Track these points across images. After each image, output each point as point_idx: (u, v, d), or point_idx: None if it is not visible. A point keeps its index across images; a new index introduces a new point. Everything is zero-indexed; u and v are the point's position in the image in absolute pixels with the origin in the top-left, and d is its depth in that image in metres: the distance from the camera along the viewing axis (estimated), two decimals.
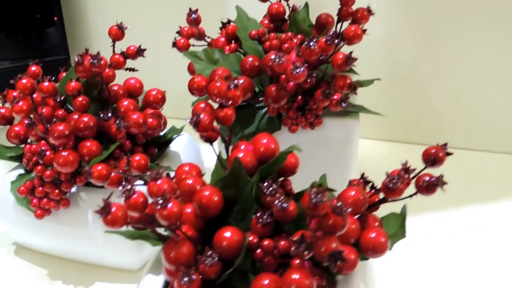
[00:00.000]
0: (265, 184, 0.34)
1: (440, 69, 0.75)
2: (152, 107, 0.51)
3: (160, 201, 0.30)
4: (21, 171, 0.53)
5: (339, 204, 0.30)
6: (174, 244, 0.32)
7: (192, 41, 0.59)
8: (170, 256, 0.32)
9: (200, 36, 0.58)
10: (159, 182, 0.32)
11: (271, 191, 0.34)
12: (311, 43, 0.42)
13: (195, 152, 0.61)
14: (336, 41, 0.43)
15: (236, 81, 0.40)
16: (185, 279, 0.30)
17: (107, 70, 0.49)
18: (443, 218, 0.62)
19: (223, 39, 0.56)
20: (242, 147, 0.40)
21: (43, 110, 0.50)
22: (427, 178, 0.36)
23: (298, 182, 0.41)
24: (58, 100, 0.52)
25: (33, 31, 0.89)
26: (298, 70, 0.42)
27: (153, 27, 0.88)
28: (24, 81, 0.47)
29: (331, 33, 0.43)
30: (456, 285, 0.51)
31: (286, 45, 0.50)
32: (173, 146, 0.57)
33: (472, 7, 0.71)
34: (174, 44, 0.58)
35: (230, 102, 0.39)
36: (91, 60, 0.44)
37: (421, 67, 0.76)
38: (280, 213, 0.33)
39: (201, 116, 0.38)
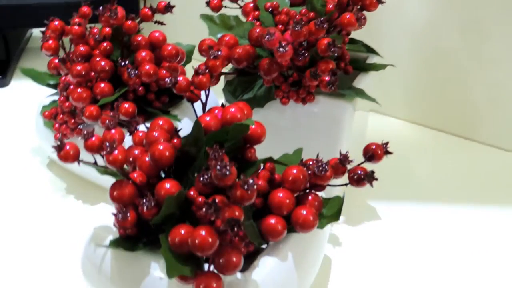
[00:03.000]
0: (212, 148, 0.38)
1: (481, 61, 0.73)
2: (166, 61, 0.56)
3: (108, 148, 0.36)
4: (56, 97, 0.61)
5: (250, 181, 0.34)
6: (119, 185, 0.38)
7: (226, 2, 0.63)
8: (113, 194, 0.37)
9: None
10: (112, 131, 0.38)
11: (215, 156, 0.38)
12: (297, 26, 0.44)
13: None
14: (325, 25, 0.45)
15: (216, 52, 0.44)
16: (120, 215, 0.36)
17: (129, 22, 0.54)
18: (463, 220, 0.62)
19: (252, 5, 0.60)
20: (215, 112, 0.45)
21: (71, 49, 0.57)
22: (358, 171, 0.38)
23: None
24: (97, 39, 0.59)
25: None
26: (282, 50, 0.45)
27: None
28: (56, 23, 0.54)
29: (321, 18, 0.45)
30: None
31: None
32: None
33: None
34: (208, 4, 0.62)
35: (207, 70, 0.43)
36: (108, 14, 0.50)
37: (462, 56, 0.74)
38: (217, 177, 0.37)
39: (179, 78, 0.43)
